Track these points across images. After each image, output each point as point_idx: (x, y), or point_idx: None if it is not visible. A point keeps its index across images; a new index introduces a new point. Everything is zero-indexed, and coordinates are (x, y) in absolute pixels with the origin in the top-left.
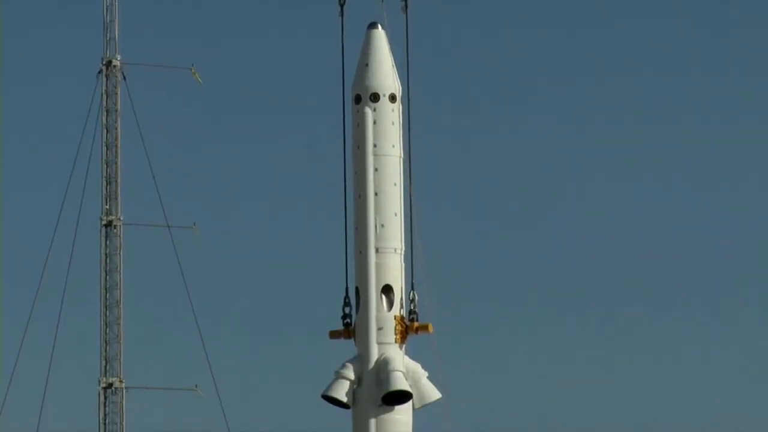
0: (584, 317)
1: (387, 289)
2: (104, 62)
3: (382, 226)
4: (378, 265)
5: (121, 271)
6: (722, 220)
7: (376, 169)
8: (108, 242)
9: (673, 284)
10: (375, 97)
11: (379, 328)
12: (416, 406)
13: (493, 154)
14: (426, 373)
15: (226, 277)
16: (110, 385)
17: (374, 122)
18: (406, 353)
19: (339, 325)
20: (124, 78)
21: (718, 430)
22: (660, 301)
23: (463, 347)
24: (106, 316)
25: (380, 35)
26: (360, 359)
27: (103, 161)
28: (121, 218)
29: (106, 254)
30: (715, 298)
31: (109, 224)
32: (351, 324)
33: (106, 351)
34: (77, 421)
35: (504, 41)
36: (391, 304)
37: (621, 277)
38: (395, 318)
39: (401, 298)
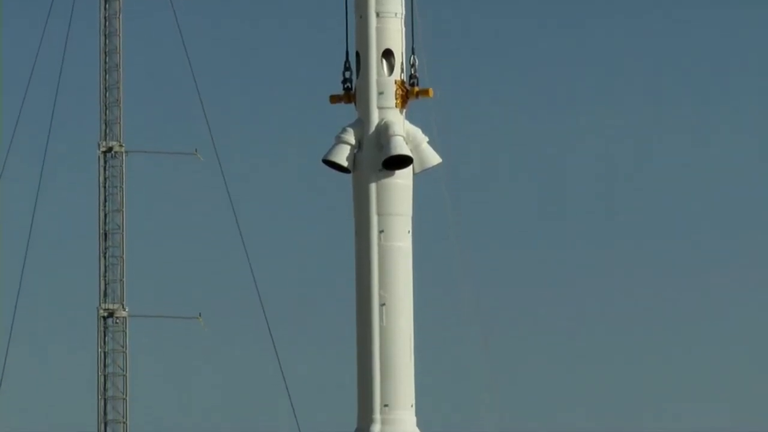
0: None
1: (387, 54)
2: None
3: None
4: (378, 30)
5: (120, 36)
6: None
7: None
8: (107, 5)
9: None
10: None
11: (380, 93)
12: (416, 171)
13: None
14: (426, 138)
15: (226, 40)
16: (110, 149)
17: None
18: (407, 118)
19: (339, 90)
20: None
21: None
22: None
23: (462, 112)
24: (105, 80)
25: None
26: (360, 124)
27: None
28: None
29: (105, 18)
30: None
31: None
32: (351, 88)
33: (105, 115)
34: (77, 185)
35: None
36: (391, 69)
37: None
38: (396, 82)
39: (402, 63)
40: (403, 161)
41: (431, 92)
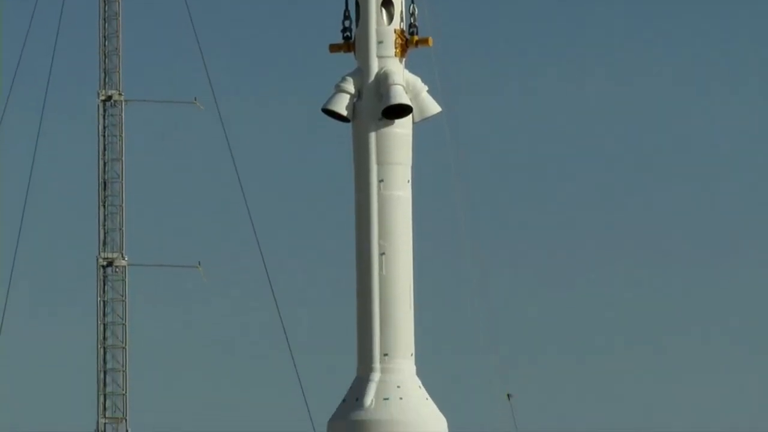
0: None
1: (387, 3)
2: None
3: None
4: None
5: None
6: None
7: None
8: None
9: None
10: None
11: (379, 42)
12: (416, 120)
13: None
14: (426, 87)
15: None
16: (109, 98)
17: None
18: (406, 67)
19: (339, 39)
20: None
21: None
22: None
23: (462, 62)
24: (104, 28)
25: None
26: (360, 73)
27: None
28: None
29: None
30: None
31: None
32: (351, 37)
33: (105, 63)
34: (76, 134)
35: None
36: (391, 18)
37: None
38: (395, 31)
39: (401, 12)
40: (403, 110)
41: (431, 41)
